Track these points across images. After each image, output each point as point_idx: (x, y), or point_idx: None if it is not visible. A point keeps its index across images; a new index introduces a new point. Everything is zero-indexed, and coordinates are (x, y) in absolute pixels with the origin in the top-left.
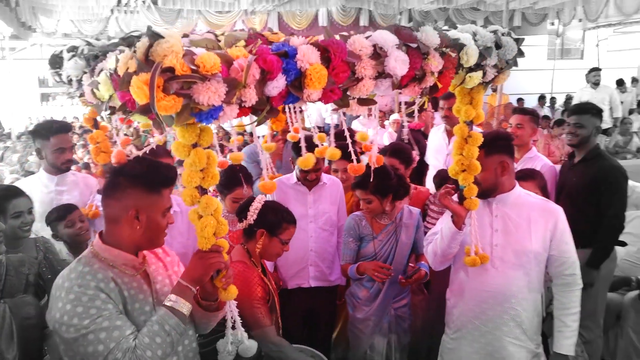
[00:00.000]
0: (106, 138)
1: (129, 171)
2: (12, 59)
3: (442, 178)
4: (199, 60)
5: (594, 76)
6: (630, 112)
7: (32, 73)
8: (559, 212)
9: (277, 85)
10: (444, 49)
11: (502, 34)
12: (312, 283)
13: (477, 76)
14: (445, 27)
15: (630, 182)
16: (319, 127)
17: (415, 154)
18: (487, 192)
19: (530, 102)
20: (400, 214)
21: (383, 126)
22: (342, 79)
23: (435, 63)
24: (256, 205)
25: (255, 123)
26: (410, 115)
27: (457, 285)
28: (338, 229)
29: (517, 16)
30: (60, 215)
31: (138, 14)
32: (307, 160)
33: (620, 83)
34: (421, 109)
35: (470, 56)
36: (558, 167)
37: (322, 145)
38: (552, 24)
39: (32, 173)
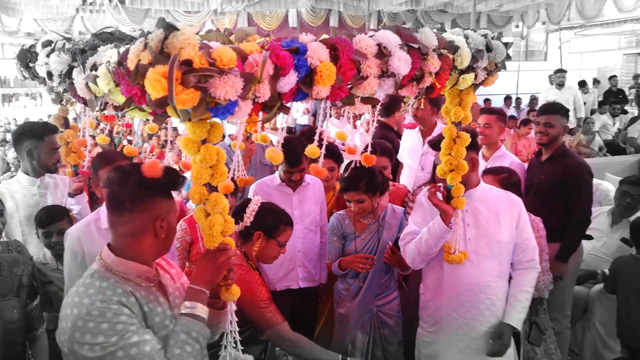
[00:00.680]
0: (78, 138)
1: (148, 181)
2: None
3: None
4: (215, 53)
5: (558, 77)
6: (592, 112)
7: None
8: (520, 202)
9: (289, 81)
10: (441, 50)
11: (492, 38)
12: (301, 284)
13: (469, 77)
14: (434, 30)
15: (595, 180)
16: (289, 128)
17: None
18: None
19: (497, 103)
20: (383, 213)
21: (355, 126)
22: (349, 77)
23: (435, 64)
24: (253, 207)
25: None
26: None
27: (432, 280)
28: (321, 228)
29: (483, 18)
30: (43, 221)
31: (104, 13)
32: (277, 155)
33: (582, 84)
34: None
35: (464, 58)
36: (526, 165)
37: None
38: (517, 26)
39: None
